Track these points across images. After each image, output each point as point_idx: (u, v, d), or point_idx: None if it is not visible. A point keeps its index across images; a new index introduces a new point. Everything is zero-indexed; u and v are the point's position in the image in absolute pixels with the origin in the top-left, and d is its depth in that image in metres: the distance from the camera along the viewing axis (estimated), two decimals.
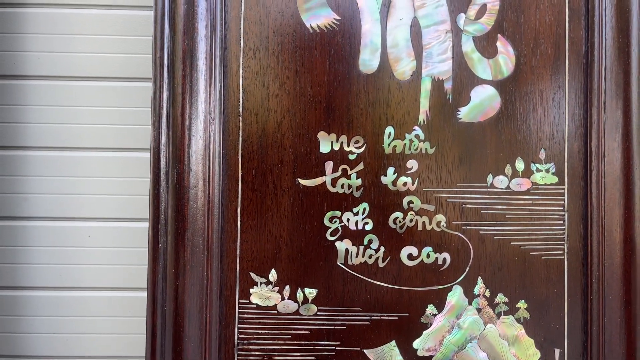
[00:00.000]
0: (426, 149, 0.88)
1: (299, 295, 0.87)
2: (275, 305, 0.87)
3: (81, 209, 1.03)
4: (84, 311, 1.03)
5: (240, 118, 0.87)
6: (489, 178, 0.88)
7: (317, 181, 0.87)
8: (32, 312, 1.04)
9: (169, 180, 0.85)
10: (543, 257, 0.89)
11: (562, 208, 0.89)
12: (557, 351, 0.88)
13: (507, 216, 0.89)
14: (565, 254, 0.89)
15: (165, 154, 0.86)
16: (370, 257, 0.87)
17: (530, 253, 0.89)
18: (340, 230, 0.88)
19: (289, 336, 0.87)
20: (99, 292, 1.03)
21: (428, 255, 0.88)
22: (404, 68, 0.88)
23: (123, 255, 1.02)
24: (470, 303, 0.88)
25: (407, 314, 0.88)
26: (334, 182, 0.88)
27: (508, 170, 0.88)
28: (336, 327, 0.87)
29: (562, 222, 0.89)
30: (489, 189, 0.88)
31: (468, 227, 0.88)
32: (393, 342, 0.87)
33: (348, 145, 0.88)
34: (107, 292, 1.03)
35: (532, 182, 0.89)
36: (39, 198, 1.03)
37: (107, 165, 1.02)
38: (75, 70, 1.02)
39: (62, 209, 1.02)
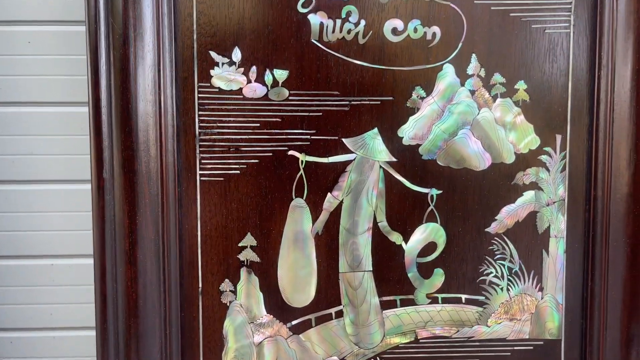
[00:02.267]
0: None
1: (268, 77, 0.76)
2: (241, 89, 0.76)
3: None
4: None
5: None
6: None
7: None
8: None
9: None
10: (547, 31, 0.78)
11: None
12: (558, 137, 0.79)
13: None
14: (572, 26, 0.78)
15: None
16: (348, 32, 0.76)
17: (532, 26, 0.77)
18: (314, 1, 0.75)
19: (258, 124, 0.76)
20: None
21: (415, 30, 0.77)
22: None
23: None
24: (462, 84, 0.78)
25: (391, 98, 0.77)
26: None
27: None
28: (311, 114, 0.77)
29: None
30: None
31: None
32: (375, 130, 0.77)
33: None
34: None
35: None
36: None
37: None
38: None
39: None
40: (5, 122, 0.93)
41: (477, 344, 0.81)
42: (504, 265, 0.80)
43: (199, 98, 0.75)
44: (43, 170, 0.94)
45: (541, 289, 0.81)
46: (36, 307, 0.98)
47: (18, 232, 0.96)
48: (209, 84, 0.75)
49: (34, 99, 0.93)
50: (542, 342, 0.81)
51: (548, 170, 0.79)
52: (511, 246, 0.80)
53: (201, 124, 0.76)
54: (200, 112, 0.76)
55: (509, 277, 0.81)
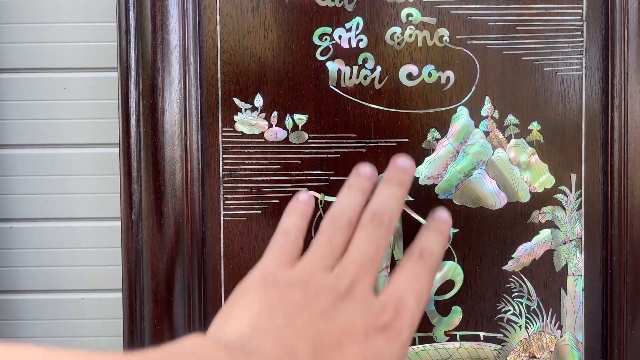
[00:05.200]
0: None
1: (288, 121, 0.79)
2: (263, 133, 0.79)
3: None
4: None
5: None
6: None
7: None
8: None
9: None
10: (558, 73, 0.80)
11: (580, 17, 0.79)
12: (573, 176, 0.81)
13: (517, 28, 0.79)
14: (584, 68, 0.80)
15: None
16: (365, 78, 0.79)
17: (544, 69, 0.80)
18: (332, 49, 0.79)
19: (279, 166, 0.80)
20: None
21: (430, 74, 0.79)
22: None
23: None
24: (477, 126, 0.80)
25: (406, 140, 0.80)
26: None
27: None
28: (329, 155, 0.80)
29: (580, 33, 0.79)
30: None
31: (474, 42, 0.79)
32: None
33: None
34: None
35: None
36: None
37: None
38: None
39: None
40: (42, 163, 0.99)
41: None
42: (521, 303, 0.81)
43: (223, 142, 0.79)
44: (75, 208, 0.99)
45: (560, 327, 0.81)
46: (67, 340, 1.02)
47: (51, 267, 1.00)
48: (232, 129, 0.79)
49: (68, 141, 0.98)
50: None
51: (564, 208, 0.80)
52: (528, 284, 0.81)
53: (225, 167, 0.80)
54: (224, 156, 0.79)
55: (527, 315, 0.81)
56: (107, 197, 0.99)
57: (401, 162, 0.72)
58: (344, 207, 0.68)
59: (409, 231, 0.81)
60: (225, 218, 0.80)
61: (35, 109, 0.98)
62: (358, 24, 0.78)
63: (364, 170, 0.72)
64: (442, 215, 0.73)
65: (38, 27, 0.96)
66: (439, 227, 0.72)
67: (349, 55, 0.79)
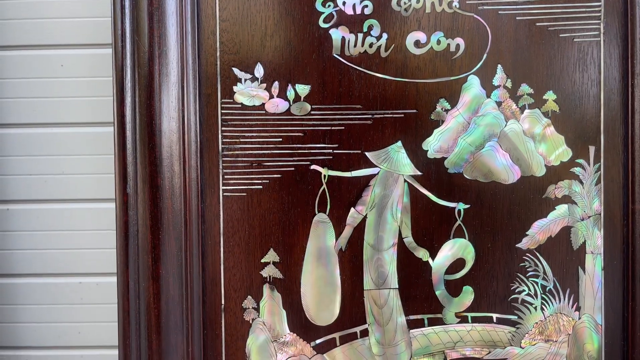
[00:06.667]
0: None
1: (290, 92, 0.76)
2: (263, 104, 0.76)
3: None
4: None
5: None
6: None
7: None
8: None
9: None
10: (575, 40, 0.76)
11: None
12: (591, 149, 0.76)
13: None
14: (602, 35, 0.75)
15: None
16: (370, 45, 0.75)
17: (560, 35, 0.75)
18: (336, 16, 0.76)
19: (280, 139, 0.76)
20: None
21: (438, 42, 0.76)
22: None
23: None
24: (488, 96, 0.76)
25: (414, 111, 0.76)
26: None
27: None
28: (333, 128, 0.76)
29: None
30: None
31: (485, 7, 0.75)
32: (399, 143, 0.76)
33: None
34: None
35: None
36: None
37: None
38: None
39: None
40: (39, 143, 0.96)
41: None
42: (537, 283, 0.77)
43: (222, 114, 0.76)
44: (73, 189, 0.96)
45: (578, 309, 0.77)
46: (65, 325, 0.99)
47: (48, 250, 0.97)
48: (231, 100, 0.76)
49: (67, 120, 0.95)
50: None
51: (582, 183, 0.76)
52: (544, 263, 0.77)
53: (224, 140, 0.76)
54: (223, 128, 0.76)
55: (542, 295, 0.77)
56: (105, 178, 0.96)
57: None
58: None
59: (417, 207, 0.77)
60: (224, 194, 0.76)
61: (32, 87, 0.96)
62: None
63: None
64: None
65: (34, 2, 0.94)
66: None
67: (354, 22, 0.75)
